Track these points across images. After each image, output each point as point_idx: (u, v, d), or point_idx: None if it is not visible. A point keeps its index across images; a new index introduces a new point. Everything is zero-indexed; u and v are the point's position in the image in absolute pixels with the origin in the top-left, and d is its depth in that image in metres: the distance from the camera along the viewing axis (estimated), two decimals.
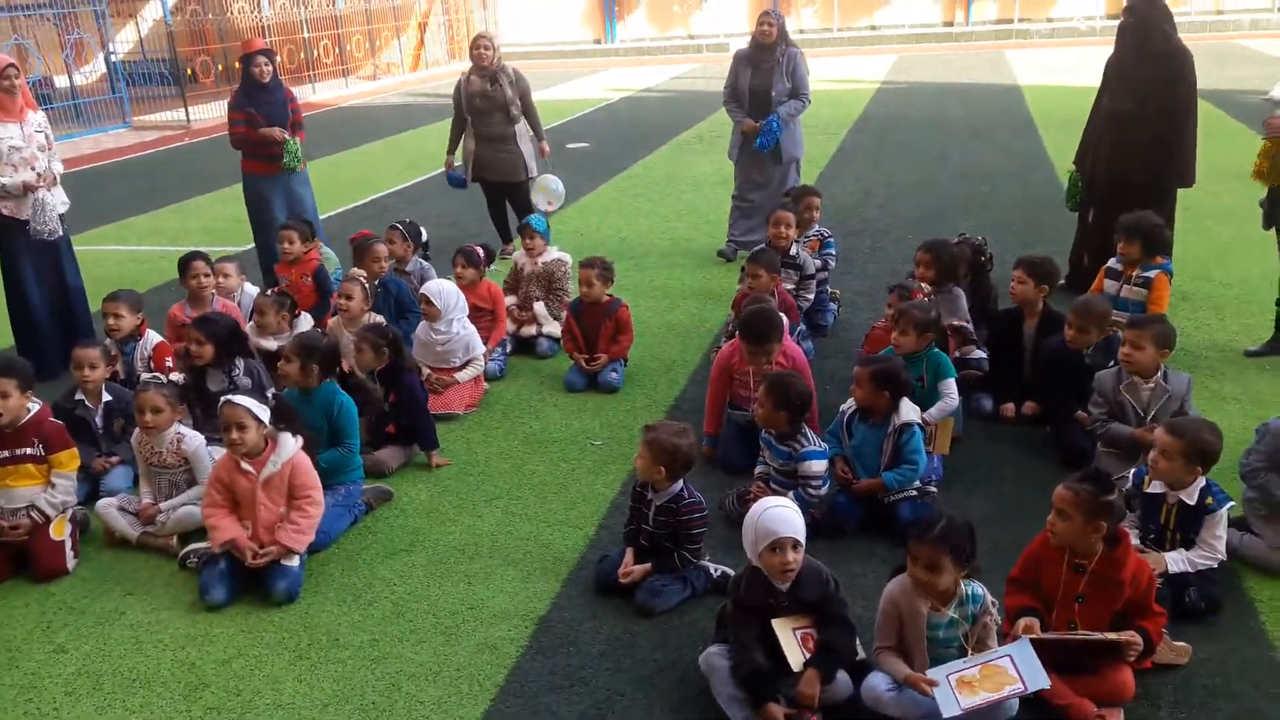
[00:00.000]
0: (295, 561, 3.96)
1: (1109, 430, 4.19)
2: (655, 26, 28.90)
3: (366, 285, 5.67)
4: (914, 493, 4.12)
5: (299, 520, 3.98)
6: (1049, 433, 4.80)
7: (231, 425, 3.89)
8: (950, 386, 4.54)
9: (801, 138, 7.93)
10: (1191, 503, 3.53)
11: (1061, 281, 6.57)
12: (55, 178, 6.08)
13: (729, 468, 4.63)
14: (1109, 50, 6.53)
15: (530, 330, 6.34)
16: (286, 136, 7.13)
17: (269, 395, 4.08)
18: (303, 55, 21.85)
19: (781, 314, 4.80)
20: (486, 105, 7.90)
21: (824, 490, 4.09)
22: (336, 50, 23.48)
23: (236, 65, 7.76)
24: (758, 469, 4.28)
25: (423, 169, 12.89)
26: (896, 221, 9.00)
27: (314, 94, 21.53)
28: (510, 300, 6.43)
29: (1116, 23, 6.53)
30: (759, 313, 4.62)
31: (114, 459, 4.79)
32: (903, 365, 4.26)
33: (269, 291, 5.60)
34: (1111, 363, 4.46)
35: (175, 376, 4.74)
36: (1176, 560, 3.50)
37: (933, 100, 16.41)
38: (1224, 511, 3.53)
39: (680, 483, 3.78)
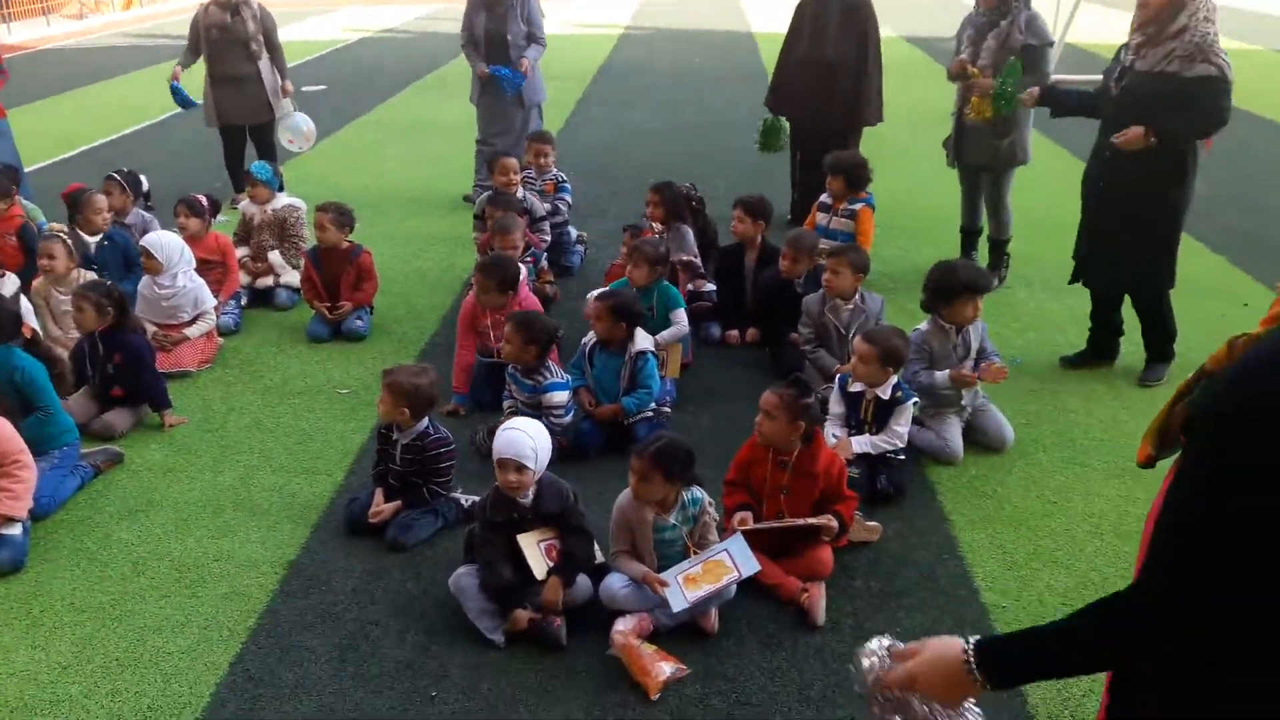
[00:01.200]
0: (17, 530, 3.76)
1: (819, 359, 4.70)
2: None
3: (70, 242, 5.31)
4: (650, 414, 4.44)
5: (11, 486, 3.76)
6: (768, 355, 5.28)
7: None
8: (680, 315, 4.90)
9: (542, 83, 8.01)
10: (886, 397, 4.07)
11: (789, 218, 7.22)
12: None
13: (479, 405, 4.78)
14: None
15: (267, 281, 6.17)
16: None
17: None
18: None
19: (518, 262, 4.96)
20: (224, 38, 7.45)
21: (568, 419, 4.33)
22: None
23: None
24: (505, 403, 4.45)
25: (139, 117, 11.98)
26: (638, 167, 9.34)
27: (9, 35, 19.32)
28: (242, 251, 6.22)
29: None
30: (490, 259, 4.81)
31: None
32: (636, 297, 4.55)
33: None
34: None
35: None
36: (861, 443, 4.03)
37: (674, 47, 16.95)
38: (909, 404, 4.09)
39: (425, 420, 3.90)
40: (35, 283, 5.28)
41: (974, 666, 1.50)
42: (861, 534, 3.75)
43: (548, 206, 6.42)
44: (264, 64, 7.65)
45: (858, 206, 5.96)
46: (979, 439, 4.44)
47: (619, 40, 18.11)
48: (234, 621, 3.44)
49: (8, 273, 5.28)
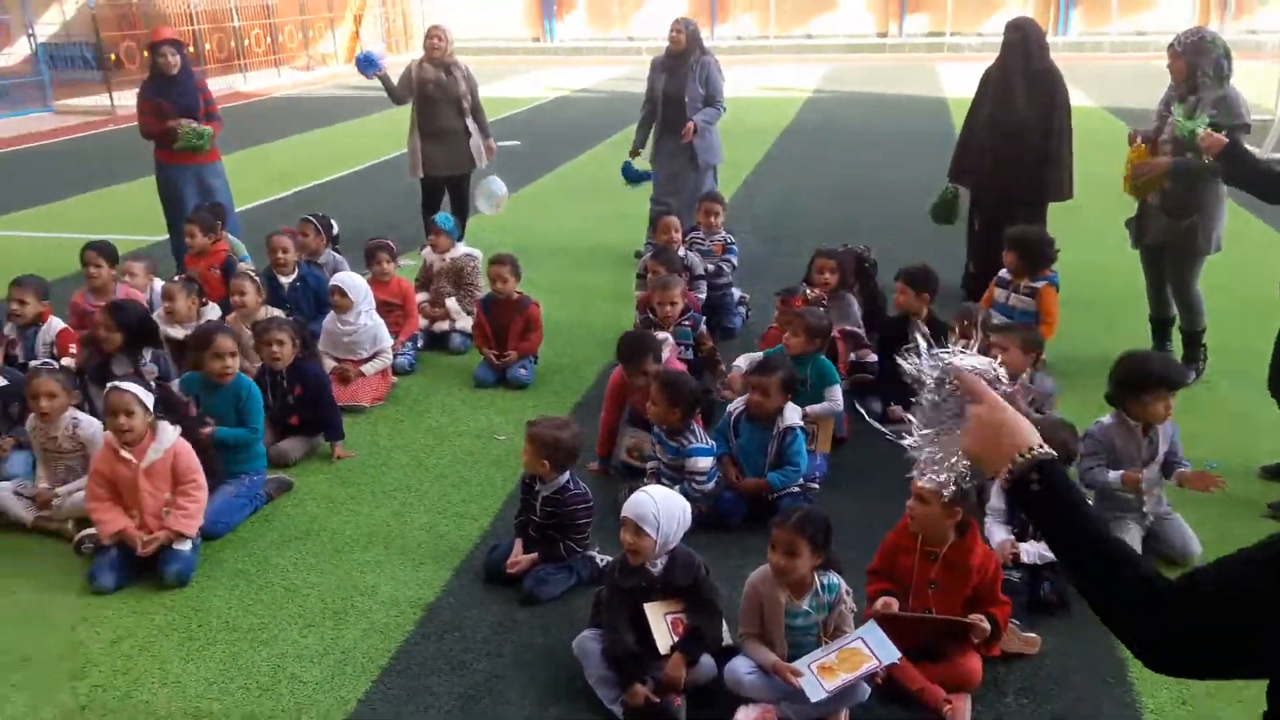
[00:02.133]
0: (187, 546, 4.02)
1: None
2: (594, 27, 29.07)
3: (258, 280, 5.71)
4: (797, 490, 4.31)
5: (186, 505, 4.03)
6: None
7: (119, 411, 3.93)
8: (836, 394, 4.76)
9: (718, 144, 8.08)
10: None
11: (963, 291, 6.94)
12: None
13: (630, 471, 4.75)
14: None
15: (443, 326, 6.43)
16: (184, 124, 7.02)
17: (153, 384, 4.12)
18: (233, 44, 21.54)
19: (657, 335, 4.95)
20: (439, 94, 7.89)
21: (710, 486, 4.26)
22: (268, 40, 23.18)
23: (144, 53, 7.70)
24: (649, 464, 4.44)
25: (348, 163, 12.87)
26: (814, 229, 9.23)
27: (245, 83, 21.26)
28: (422, 296, 6.52)
29: (1047, 40, 6.80)
30: (628, 337, 4.83)
31: (9, 441, 4.78)
32: (793, 369, 4.46)
33: (175, 277, 5.62)
34: None
35: (67, 362, 4.74)
36: (1030, 551, 3.74)
37: (861, 111, 16.80)
38: None
39: (566, 474, 3.92)
40: (229, 317, 5.69)
41: (1031, 458, 1.53)
42: (1016, 645, 3.48)
43: (711, 267, 6.43)
44: (469, 121, 8.05)
45: (1040, 285, 5.65)
46: (1161, 550, 4.05)
47: (805, 103, 18.11)
48: (368, 658, 3.54)
49: (210, 302, 5.72)
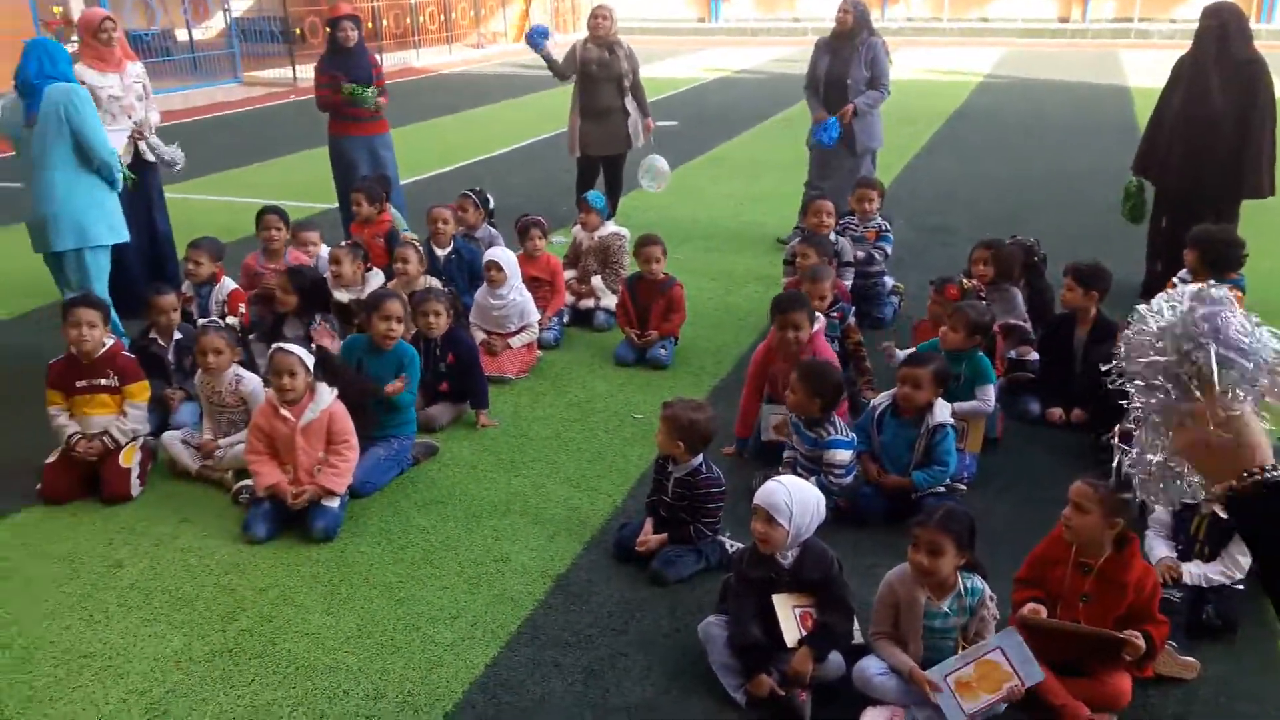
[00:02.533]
0: (335, 503, 4.19)
1: None
2: (761, 8, 28.72)
3: (420, 250, 5.87)
4: (942, 490, 4.13)
5: (337, 464, 4.20)
6: (1092, 441, 4.74)
7: (284, 372, 4.12)
8: (989, 393, 4.53)
9: (879, 129, 7.83)
10: (1224, 515, 3.48)
11: (1140, 292, 6.50)
12: (152, 126, 6.44)
13: (765, 457, 4.66)
14: None
15: (588, 303, 6.47)
16: (353, 87, 7.26)
17: (313, 347, 4.30)
18: (408, 20, 22.33)
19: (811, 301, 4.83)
20: (601, 74, 7.93)
21: (848, 480, 4.13)
22: (442, 17, 23.92)
23: (325, 28, 8.02)
24: (786, 453, 4.34)
25: (510, 139, 13.15)
26: (975, 218, 8.85)
27: (418, 59, 22.02)
28: (570, 274, 6.58)
29: (1251, 27, 6.31)
30: (786, 294, 4.79)
31: (180, 393, 5.08)
32: (946, 363, 4.27)
33: (343, 243, 5.86)
34: None
35: (233, 320, 5.02)
36: (1193, 572, 3.46)
37: (1035, 98, 15.99)
38: None
39: (699, 457, 3.87)
40: (390, 284, 5.89)
41: (1265, 478, 1.32)
42: (1173, 668, 3.23)
43: (862, 254, 6.23)
44: (629, 100, 8.06)
45: (1224, 288, 5.20)
46: None
47: (976, 87, 17.36)
48: (498, 624, 3.59)
49: (375, 269, 5.93)
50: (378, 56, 7.85)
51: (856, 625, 3.30)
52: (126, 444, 4.46)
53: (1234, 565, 3.46)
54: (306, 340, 5.16)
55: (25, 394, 5.21)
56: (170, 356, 5.11)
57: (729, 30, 28.15)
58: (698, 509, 3.85)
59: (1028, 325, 5.28)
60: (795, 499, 3.17)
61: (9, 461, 4.76)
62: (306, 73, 18.74)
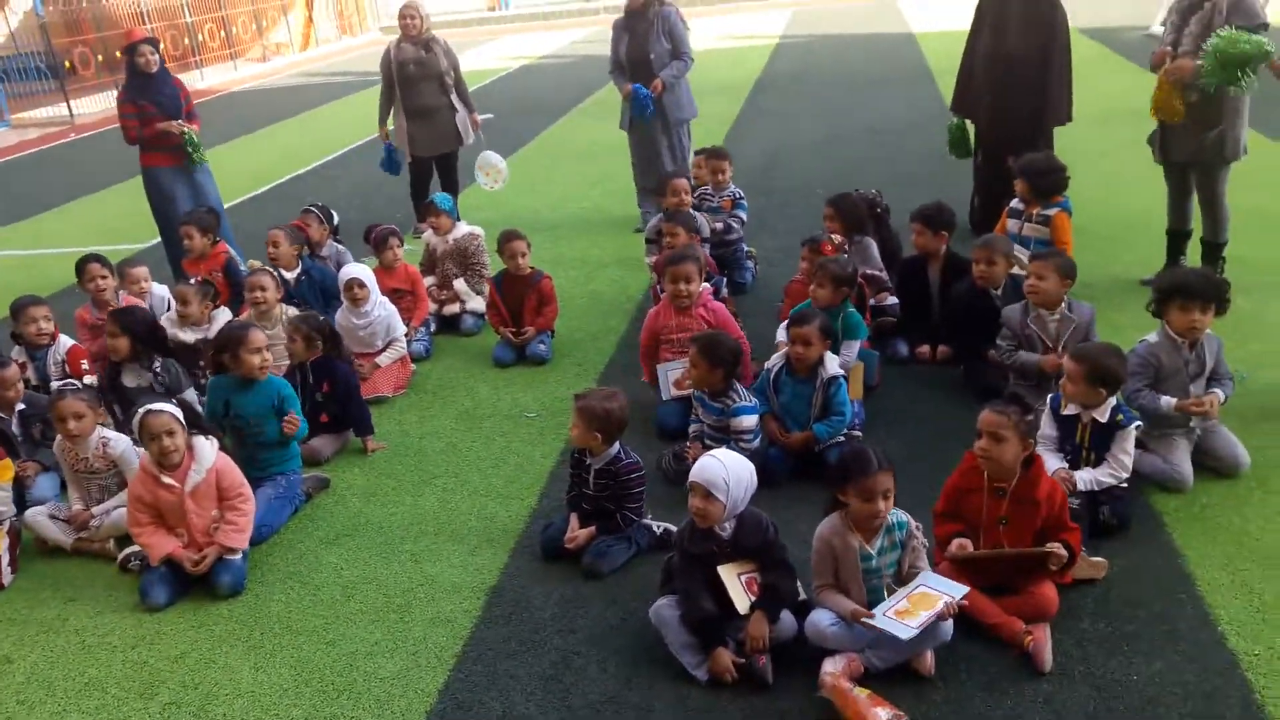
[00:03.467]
0: (238, 555, 3.95)
1: (1017, 359, 4.42)
2: None
3: (276, 276, 5.59)
4: (841, 439, 4.29)
5: (235, 520, 3.95)
6: (961, 373, 5.03)
7: (161, 433, 3.83)
8: (853, 349, 4.75)
9: (690, 99, 7.79)
10: (1104, 420, 3.75)
11: (970, 225, 6.91)
12: None
13: (663, 431, 4.73)
14: None
15: (453, 308, 6.34)
16: (185, 128, 6.97)
17: (174, 398, 4.01)
18: (187, 40, 21.08)
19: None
20: (419, 73, 7.73)
21: (756, 443, 4.22)
22: (222, 33, 22.70)
23: (119, 55, 7.50)
24: (692, 427, 4.40)
25: (321, 152, 12.67)
26: (807, 178, 9.17)
27: (202, 80, 20.83)
28: (429, 280, 6.41)
29: None
30: (678, 250, 4.96)
31: (34, 465, 4.67)
32: (827, 317, 4.42)
33: (192, 280, 5.49)
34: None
35: (89, 380, 4.64)
36: (1084, 478, 3.73)
37: (833, 53, 16.67)
38: (1131, 429, 3.76)
39: (616, 445, 3.88)
40: (242, 316, 5.58)
41: None
42: (1086, 570, 3.48)
43: (720, 225, 6.35)
44: (453, 96, 7.89)
45: (1053, 212, 5.62)
46: (1209, 463, 4.07)
47: (775, 50, 17.93)
48: (441, 647, 3.50)
49: (222, 305, 5.60)
50: (181, 79, 7.37)
51: (798, 582, 3.39)
52: None
53: (1119, 466, 3.75)
54: (153, 388, 4.84)
55: None
56: (15, 428, 4.68)
57: (521, 17, 27.96)
58: (622, 496, 3.85)
59: (884, 273, 5.54)
60: (731, 473, 3.22)
61: None
62: (83, 108, 17.46)
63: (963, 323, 4.91)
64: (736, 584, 3.28)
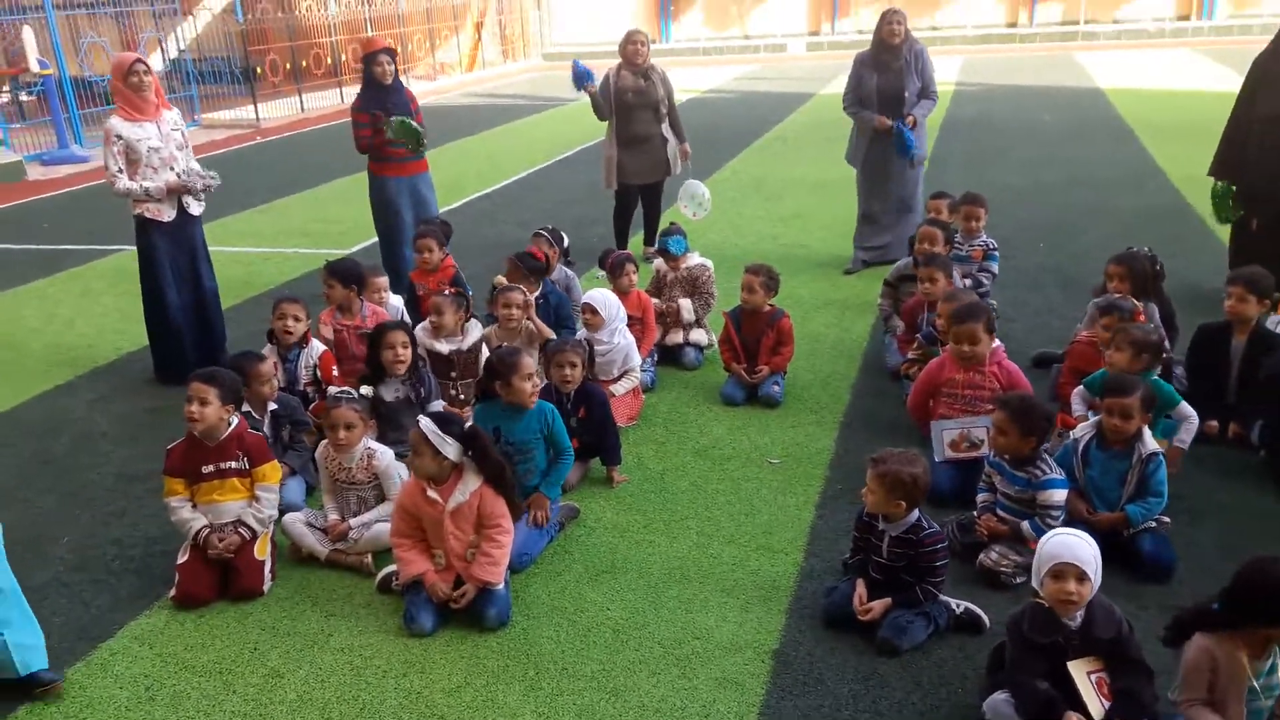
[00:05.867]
0: (500, 585, 3.79)
1: None
2: (711, 26, 28.71)
3: (525, 293, 5.50)
4: (1153, 524, 3.89)
5: (492, 551, 3.76)
6: (1262, 458, 4.56)
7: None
8: (1186, 410, 4.36)
9: (924, 139, 7.71)
10: None
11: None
12: (194, 176, 5.97)
13: (934, 496, 4.37)
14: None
15: (676, 338, 6.14)
16: (394, 119, 6.91)
17: (463, 424, 3.86)
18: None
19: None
20: (638, 101, 7.72)
21: (1061, 522, 3.86)
22: (399, 48, 23.41)
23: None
24: (981, 496, 4.05)
25: (504, 172, 12.79)
26: (1018, 229, 8.73)
27: None
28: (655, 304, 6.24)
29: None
30: (964, 305, 4.59)
31: (284, 468, 4.61)
32: (1149, 386, 4.05)
33: (447, 291, 5.43)
34: None
35: (365, 390, 4.57)
36: None
37: (1014, 103, 16.10)
38: None
39: (916, 512, 3.58)
40: (485, 331, 5.49)
41: None
42: None
43: (969, 281, 6.01)
44: (665, 126, 7.83)
45: None
46: None
47: (953, 95, 17.44)
48: (733, 713, 3.24)
49: (474, 319, 5.50)
50: (414, 92, 7.44)
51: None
52: (262, 532, 4.01)
53: None
54: (409, 401, 4.77)
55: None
56: (267, 429, 4.66)
57: (681, 50, 28.05)
58: (922, 568, 3.54)
59: (1166, 340, 5.10)
60: (1093, 551, 2.90)
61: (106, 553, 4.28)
62: (268, 112, 18.16)
63: (1277, 402, 4.43)
64: (1088, 684, 2.94)
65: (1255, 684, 2.82)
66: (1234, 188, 6.35)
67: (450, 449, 3.69)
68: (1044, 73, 19.82)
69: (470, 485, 3.81)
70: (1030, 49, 24.33)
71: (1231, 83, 17.17)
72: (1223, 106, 6.70)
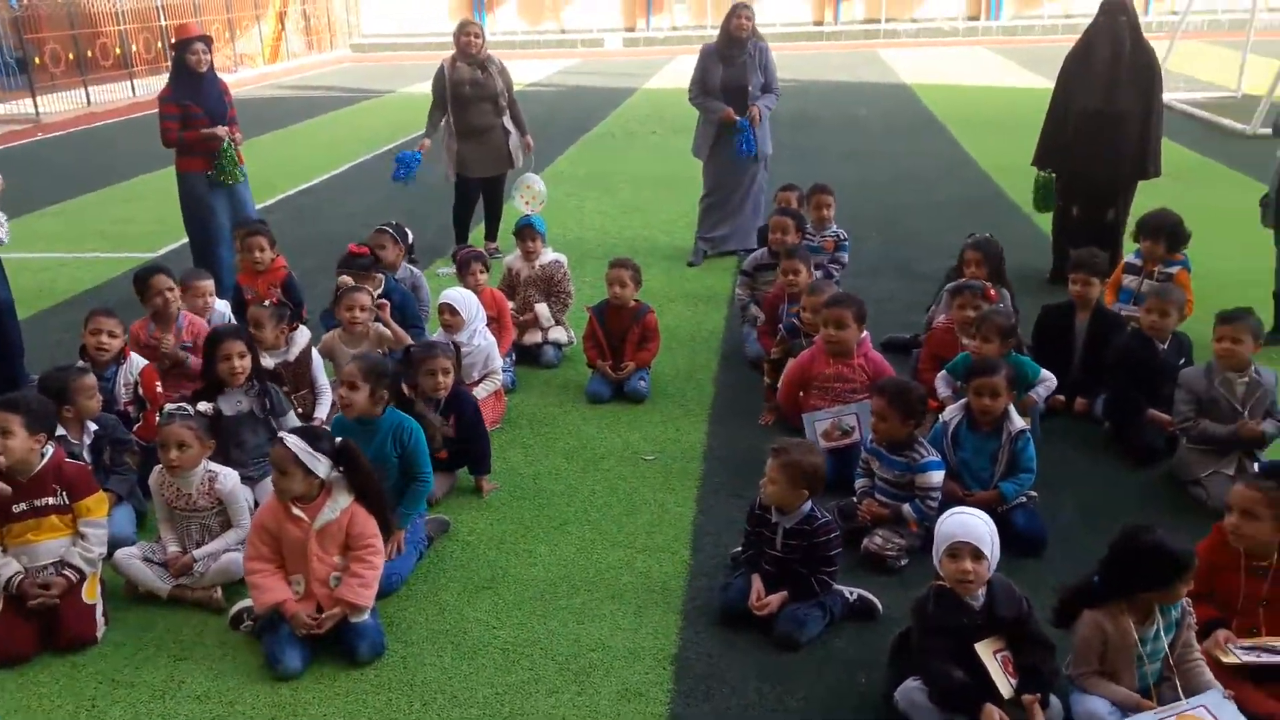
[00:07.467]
0: (366, 615, 3.47)
1: (1203, 429, 4.18)
2: (526, 19, 28.40)
3: (370, 289, 5.14)
4: (1024, 499, 4.00)
5: (363, 573, 3.46)
6: (1108, 430, 4.80)
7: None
8: (1048, 374, 4.58)
9: (768, 134, 7.77)
10: None
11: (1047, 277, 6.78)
12: None
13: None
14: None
15: (534, 338, 5.92)
16: (229, 136, 6.47)
17: (333, 438, 3.52)
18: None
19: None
20: (475, 94, 7.44)
21: (938, 503, 3.91)
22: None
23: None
24: (860, 483, 4.06)
25: (337, 161, 12.15)
26: (850, 220, 8.89)
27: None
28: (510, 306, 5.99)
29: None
30: (839, 297, 4.59)
31: (109, 496, 4.09)
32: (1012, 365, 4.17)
33: (266, 302, 4.96)
34: (1182, 360, 4.55)
35: (204, 406, 4.10)
36: None
37: (830, 99, 16.62)
38: None
39: (809, 503, 3.53)
40: (327, 337, 5.10)
41: None
42: None
43: (819, 272, 6.06)
44: (506, 118, 7.60)
45: (1175, 269, 5.48)
46: None
47: None
48: None
49: (302, 327, 5.08)
50: (227, 83, 6.88)
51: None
52: (90, 573, 3.52)
53: None
54: (254, 416, 4.34)
55: None
56: (86, 454, 4.14)
57: (496, 44, 27.48)
58: (817, 559, 3.49)
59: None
60: (990, 530, 2.92)
61: None
62: (50, 106, 16.57)
63: (1122, 377, 4.65)
64: (995, 664, 2.95)
65: (1142, 651, 2.90)
66: (1055, 177, 6.71)
67: (321, 466, 3.37)
68: (853, 69, 20.64)
69: (340, 503, 3.50)
70: (837, 46, 25.32)
71: (1020, 78, 18.44)
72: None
